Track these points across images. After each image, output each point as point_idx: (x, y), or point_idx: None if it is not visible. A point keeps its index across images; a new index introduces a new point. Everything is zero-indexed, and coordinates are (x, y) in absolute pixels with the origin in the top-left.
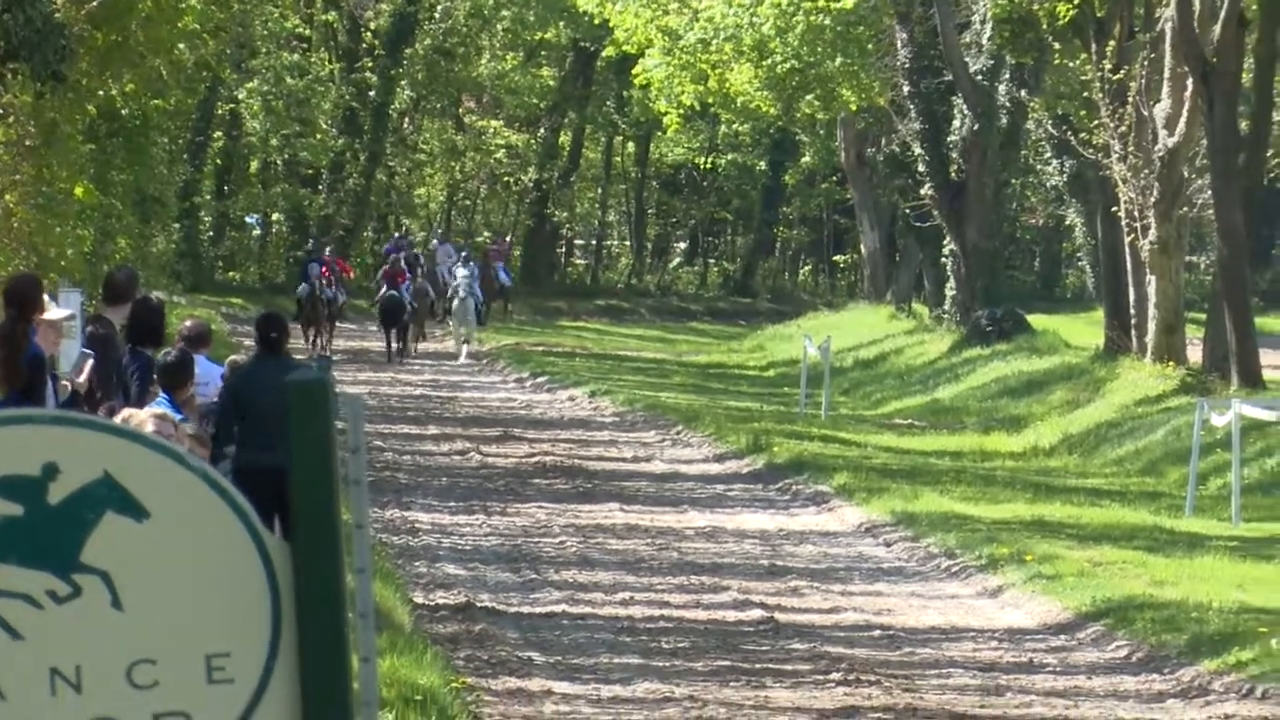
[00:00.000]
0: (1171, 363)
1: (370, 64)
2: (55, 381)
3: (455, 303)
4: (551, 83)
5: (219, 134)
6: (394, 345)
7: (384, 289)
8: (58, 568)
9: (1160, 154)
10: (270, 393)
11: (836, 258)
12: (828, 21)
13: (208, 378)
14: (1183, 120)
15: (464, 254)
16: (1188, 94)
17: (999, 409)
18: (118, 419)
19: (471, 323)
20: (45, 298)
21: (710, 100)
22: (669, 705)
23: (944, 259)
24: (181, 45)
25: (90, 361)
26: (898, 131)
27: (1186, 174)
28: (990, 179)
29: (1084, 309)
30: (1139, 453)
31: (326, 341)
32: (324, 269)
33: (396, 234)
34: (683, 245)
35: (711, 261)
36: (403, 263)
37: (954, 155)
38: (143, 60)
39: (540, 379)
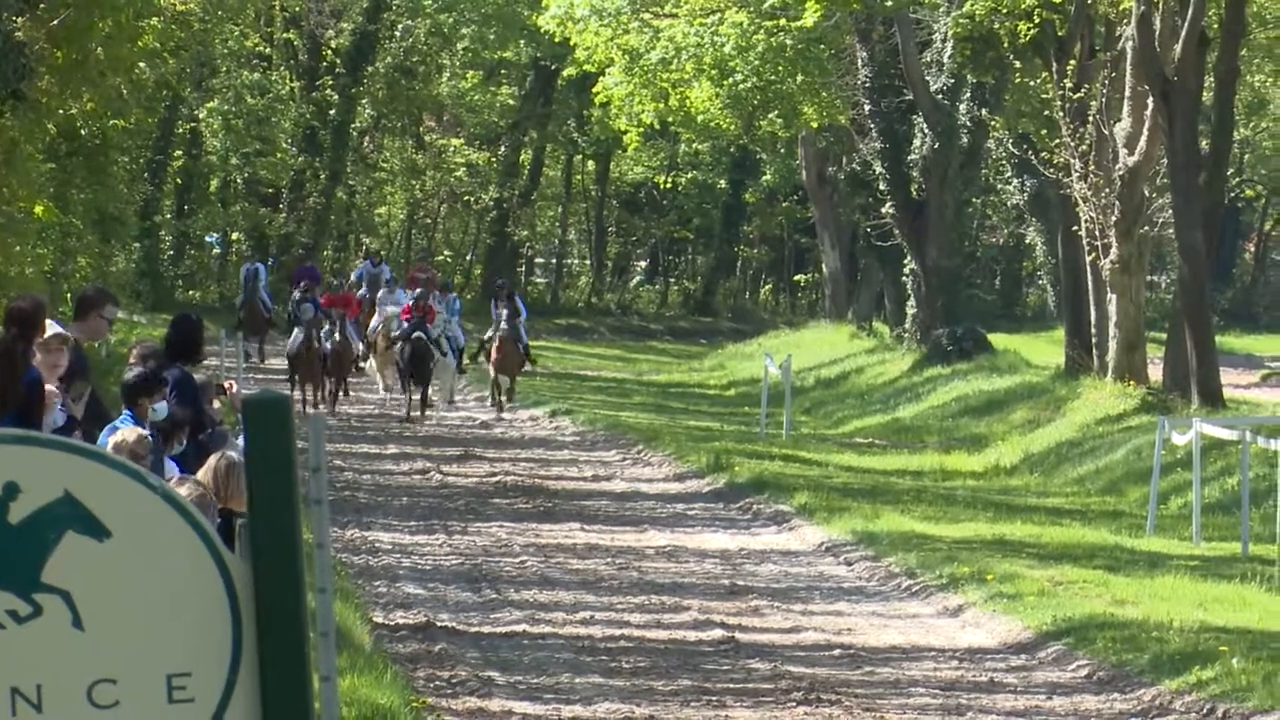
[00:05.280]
0: (1132, 382)
1: (331, 82)
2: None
3: None
4: (512, 101)
5: (179, 153)
6: (413, 399)
7: (403, 326)
8: (19, 587)
9: (1121, 173)
10: None
11: (797, 277)
12: (788, 40)
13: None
14: (1143, 139)
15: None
16: (1148, 113)
17: (960, 428)
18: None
19: (451, 369)
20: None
21: (671, 119)
22: None
23: (905, 278)
24: (142, 64)
25: (88, 389)
26: (858, 150)
27: (1147, 193)
28: (951, 198)
29: (1045, 328)
30: (1100, 472)
31: (329, 399)
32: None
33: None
34: (643, 264)
35: (672, 280)
36: (430, 299)
37: (915, 174)
38: (103, 79)
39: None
